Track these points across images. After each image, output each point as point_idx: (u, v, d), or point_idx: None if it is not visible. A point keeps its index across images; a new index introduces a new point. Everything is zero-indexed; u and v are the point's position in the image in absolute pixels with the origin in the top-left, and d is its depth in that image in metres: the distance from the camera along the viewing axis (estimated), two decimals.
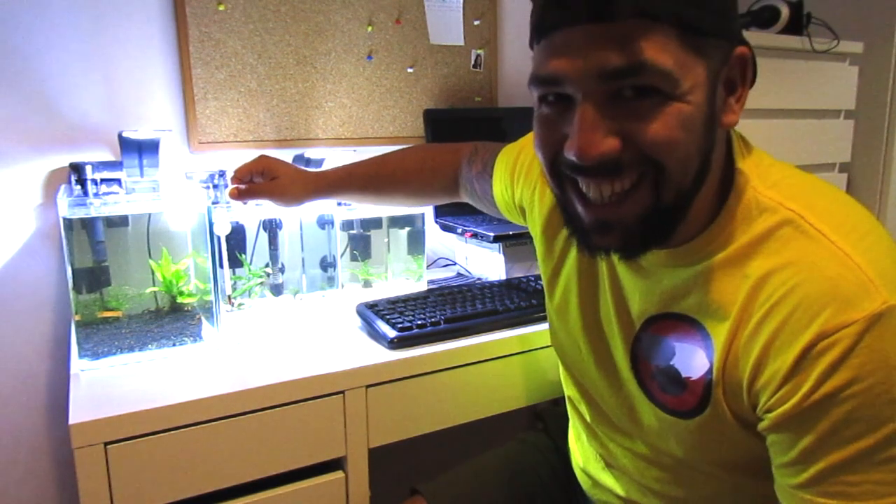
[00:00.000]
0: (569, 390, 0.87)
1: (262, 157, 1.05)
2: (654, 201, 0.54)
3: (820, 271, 0.51)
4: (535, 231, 0.85)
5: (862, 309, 0.49)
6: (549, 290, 0.82)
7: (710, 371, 0.59)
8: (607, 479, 0.81)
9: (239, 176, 1.02)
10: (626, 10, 0.48)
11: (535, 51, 0.55)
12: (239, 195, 1.01)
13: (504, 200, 0.96)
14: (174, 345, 0.98)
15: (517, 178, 0.91)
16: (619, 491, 0.78)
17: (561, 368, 0.87)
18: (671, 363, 0.63)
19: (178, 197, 1.07)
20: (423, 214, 1.32)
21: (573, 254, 0.76)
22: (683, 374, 0.62)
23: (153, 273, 0.99)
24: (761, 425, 0.56)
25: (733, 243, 0.57)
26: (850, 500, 0.50)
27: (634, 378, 0.69)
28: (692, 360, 0.60)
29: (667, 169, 0.52)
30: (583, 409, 0.83)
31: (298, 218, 1.20)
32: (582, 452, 0.87)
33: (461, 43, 1.58)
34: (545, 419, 1.05)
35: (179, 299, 1.02)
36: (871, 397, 0.49)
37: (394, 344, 0.98)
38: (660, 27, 0.49)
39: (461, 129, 1.53)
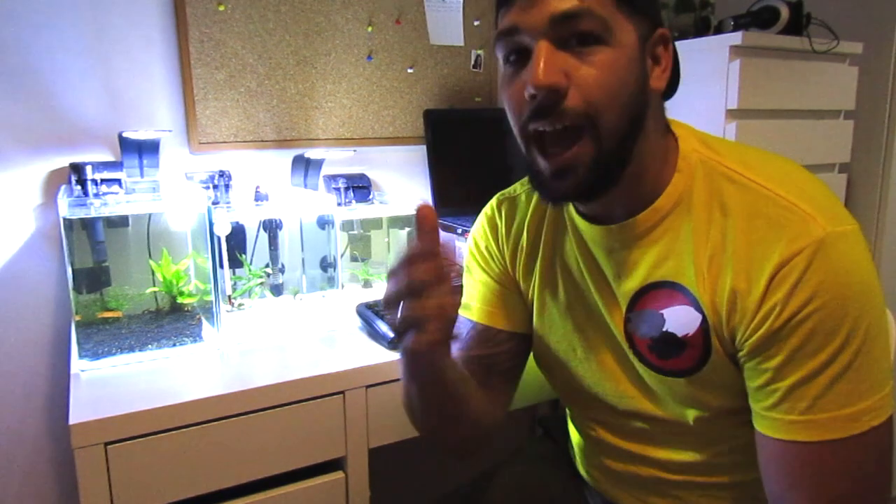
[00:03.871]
0: (569, 404, 0.87)
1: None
2: (598, 148, 0.62)
3: (766, 216, 0.61)
4: (531, 270, 0.82)
5: (808, 236, 0.58)
6: (539, 307, 0.82)
7: (704, 320, 0.65)
8: (622, 471, 0.80)
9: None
10: None
11: (499, 18, 0.65)
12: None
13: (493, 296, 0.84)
14: (174, 345, 0.98)
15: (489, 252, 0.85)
16: (640, 474, 0.78)
17: (557, 387, 0.85)
18: (664, 330, 0.68)
19: (179, 197, 1.07)
20: None
21: (557, 262, 0.78)
22: (680, 334, 0.67)
23: (153, 273, 0.99)
24: (740, 355, 0.63)
25: (688, 203, 0.66)
26: (815, 413, 0.58)
27: (635, 356, 0.72)
28: (684, 318, 0.66)
29: (602, 117, 0.61)
30: (588, 418, 0.82)
31: (298, 218, 1.20)
32: (590, 456, 0.86)
33: (461, 43, 1.58)
34: (546, 425, 1.05)
35: (179, 299, 1.02)
36: (828, 311, 0.57)
37: (394, 344, 0.98)
38: None
39: (461, 129, 1.53)
